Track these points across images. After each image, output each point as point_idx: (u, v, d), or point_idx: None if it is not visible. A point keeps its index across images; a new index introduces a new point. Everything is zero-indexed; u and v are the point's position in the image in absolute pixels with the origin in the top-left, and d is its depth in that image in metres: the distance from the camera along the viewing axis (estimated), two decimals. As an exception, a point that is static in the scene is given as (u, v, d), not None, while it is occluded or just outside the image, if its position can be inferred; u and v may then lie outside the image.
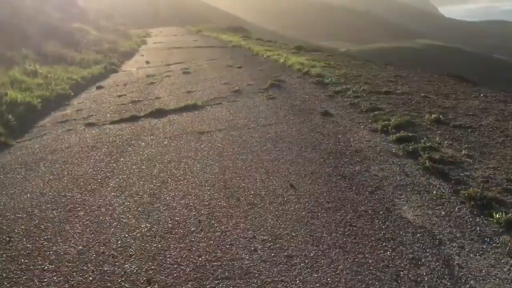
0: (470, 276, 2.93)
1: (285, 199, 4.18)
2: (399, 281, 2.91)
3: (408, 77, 10.44)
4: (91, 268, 3.24)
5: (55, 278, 3.15)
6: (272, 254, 3.28)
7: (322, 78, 10.08)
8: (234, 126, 6.80)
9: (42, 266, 3.30)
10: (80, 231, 3.82)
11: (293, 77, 10.74)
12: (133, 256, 3.37)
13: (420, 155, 5.02)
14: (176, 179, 4.87)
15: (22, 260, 3.39)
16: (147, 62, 16.06)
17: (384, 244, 3.34)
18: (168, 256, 3.35)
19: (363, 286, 2.89)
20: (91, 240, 3.64)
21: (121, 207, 4.24)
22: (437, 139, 5.60)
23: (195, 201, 4.27)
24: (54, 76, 11.11)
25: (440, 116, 6.41)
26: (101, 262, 3.31)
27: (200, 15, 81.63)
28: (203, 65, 14.17)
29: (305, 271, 3.06)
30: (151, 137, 6.59)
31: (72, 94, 10.35)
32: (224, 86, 10.13)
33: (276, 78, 10.60)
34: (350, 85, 9.26)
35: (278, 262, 3.18)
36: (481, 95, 8.08)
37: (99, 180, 4.98)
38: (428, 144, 5.32)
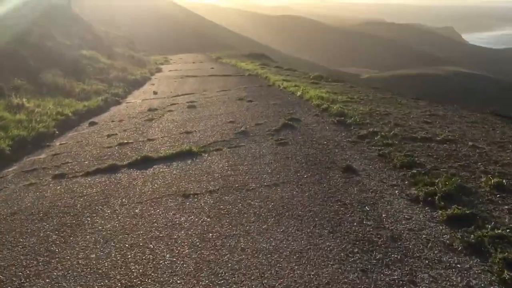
0: None
1: None
2: None
3: (447, 117, 8.78)
4: None
5: None
6: None
7: (344, 117, 8.49)
8: (230, 187, 5.24)
9: None
10: None
11: (310, 115, 9.17)
12: None
13: (490, 253, 3.38)
14: (129, 283, 3.31)
15: None
16: (155, 93, 14.73)
17: None
18: None
19: None
20: None
21: None
22: (506, 220, 3.94)
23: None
24: (42, 111, 9.78)
25: (503, 181, 4.75)
26: None
27: (224, 42, 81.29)
28: (212, 97, 12.73)
29: None
30: (123, 200, 5.07)
31: (57, 132, 8.98)
32: (230, 125, 8.61)
33: (291, 115, 9.06)
34: (377, 127, 7.64)
35: None
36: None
37: (24, 277, 3.46)
38: (497, 232, 3.66)
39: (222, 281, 3.24)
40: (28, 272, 3.59)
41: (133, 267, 3.53)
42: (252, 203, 4.69)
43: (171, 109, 10.99)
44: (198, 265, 3.50)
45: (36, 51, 14.24)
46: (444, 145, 6.43)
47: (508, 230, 3.69)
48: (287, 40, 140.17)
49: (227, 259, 3.55)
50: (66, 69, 14.13)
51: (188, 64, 29.49)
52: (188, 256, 3.66)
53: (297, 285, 3.11)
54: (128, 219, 4.49)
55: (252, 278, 3.25)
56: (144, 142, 7.79)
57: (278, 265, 3.41)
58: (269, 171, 5.70)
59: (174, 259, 3.62)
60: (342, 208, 4.42)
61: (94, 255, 3.78)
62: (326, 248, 3.64)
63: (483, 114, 9.47)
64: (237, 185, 5.25)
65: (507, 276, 3.03)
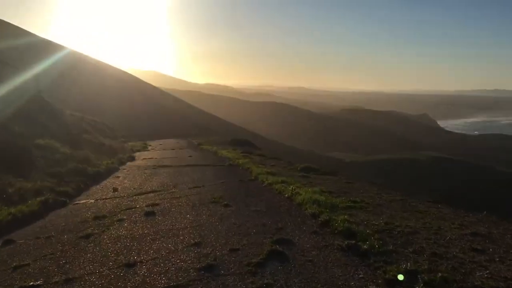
0: None
1: None
2: None
3: (495, 238, 6.21)
4: None
5: None
6: None
7: (355, 240, 5.86)
8: None
9: None
10: None
11: (306, 233, 6.51)
12: None
13: None
14: None
15: None
16: (115, 190, 12.02)
17: None
18: None
19: None
20: None
21: None
22: None
23: None
24: None
25: None
26: None
27: (208, 127, 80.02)
28: (181, 198, 10.05)
29: None
30: None
31: None
32: (193, 251, 5.86)
33: (279, 233, 6.43)
34: (409, 259, 5.03)
35: None
36: None
37: None
38: None
39: None
40: None
41: None
42: None
43: (123, 217, 8.24)
44: None
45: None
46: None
47: None
48: (271, 126, 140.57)
49: None
50: (5, 164, 11.45)
51: (166, 151, 27.06)
52: None
53: None
54: None
55: None
56: (56, 286, 4.99)
57: None
58: None
59: None
60: None
61: None
62: None
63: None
64: None
65: None
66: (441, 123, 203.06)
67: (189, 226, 7.28)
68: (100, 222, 8.06)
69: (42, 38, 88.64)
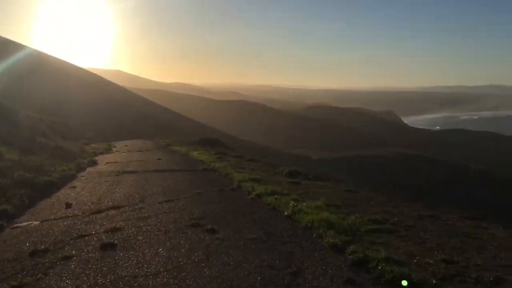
0: None
1: None
2: None
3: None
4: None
5: None
6: None
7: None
8: None
9: None
10: None
11: (336, 282, 4.42)
12: None
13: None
14: None
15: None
16: (68, 206, 9.60)
17: None
18: None
19: None
20: None
21: None
22: None
23: None
24: None
25: None
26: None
27: (175, 126, 77.09)
28: (150, 219, 7.76)
29: None
30: None
31: None
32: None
33: (297, 284, 4.33)
34: None
35: None
36: None
37: None
38: None
39: None
40: None
41: None
42: None
43: (71, 253, 5.91)
44: None
45: None
46: None
47: None
48: (239, 125, 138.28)
49: None
50: None
51: (132, 153, 24.50)
52: None
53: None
54: None
55: None
56: None
57: None
58: None
59: None
60: None
61: None
62: None
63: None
64: None
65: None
66: (405, 120, 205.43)
67: (163, 270, 5.05)
68: (38, 261, 5.73)
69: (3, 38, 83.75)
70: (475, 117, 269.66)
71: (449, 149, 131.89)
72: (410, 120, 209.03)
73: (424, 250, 5.24)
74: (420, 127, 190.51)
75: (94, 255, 5.80)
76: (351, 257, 4.96)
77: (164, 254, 5.64)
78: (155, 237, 6.47)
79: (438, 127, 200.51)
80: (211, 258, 5.36)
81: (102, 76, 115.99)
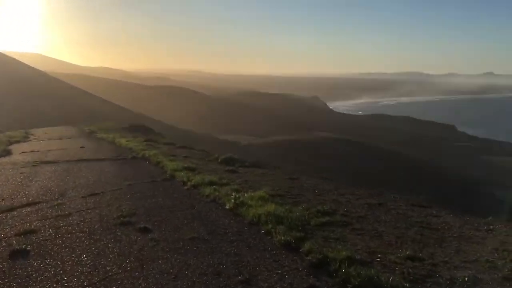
0: None
1: None
2: None
3: None
4: None
5: None
6: None
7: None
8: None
9: None
10: None
11: (297, 289, 3.81)
12: None
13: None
14: None
15: None
16: (-28, 203, 8.28)
17: None
18: None
19: None
20: None
21: None
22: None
23: None
24: None
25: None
26: None
27: (100, 112, 73.50)
28: (71, 217, 6.71)
29: None
30: None
31: None
32: None
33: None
34: None
35: None
36: None
37: None
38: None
39: None
40: None
41: None
42: None
43: (-30, 267, 4.85)
44: None
45: None
46: None
47: None
48: (168, 110, 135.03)
49: None
50: None
51: (52, 141, 22.57)
52: None
53: None
54: None
55: None
56: None
57: None
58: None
59: None
60: None
61: None
62: None
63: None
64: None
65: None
66: (330, 105, 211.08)
67: (87, 283, 4.16)
68: None
69: None
70: (393, 103, 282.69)
71: (372, 132, 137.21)
72: (335, 105, 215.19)
73: (384, 245, 4.76)
74: (344, 112, 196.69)
75: (0, 266, 4.77)
76: (308, 257, 4.35)
77: (89, 262, 4.73)
78: (77, 240, 5.51)
79: (360, 112, 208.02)
80: (146, 265, 4.54)
81: (19, 59, 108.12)
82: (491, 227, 5.55)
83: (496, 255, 4.46)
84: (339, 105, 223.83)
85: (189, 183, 8.86)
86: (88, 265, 4.62)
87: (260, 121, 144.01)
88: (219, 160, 13.05)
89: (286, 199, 7.27)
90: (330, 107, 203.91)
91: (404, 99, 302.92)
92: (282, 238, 4.91)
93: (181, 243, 5.18)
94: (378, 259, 4.26)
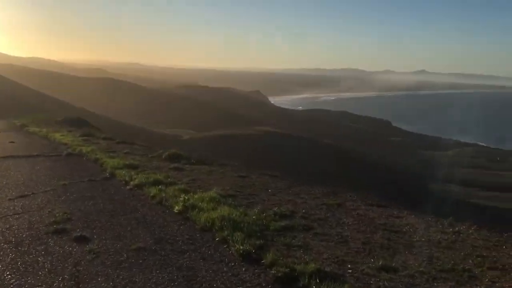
0: None
1: None
2: None
3: None
4: None
5: None
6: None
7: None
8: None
9: None
10: None
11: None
12: None
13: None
14: None
15: None
16: None
17: None
18: None
19: None
20: None
21: None
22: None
23: None
24: None
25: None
26: None
27: (33, 104, 69.50)
28: (-5, 225, 5.86)
29: None
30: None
31: None
32: None
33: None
34: None
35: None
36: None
37: None
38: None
39: None
40: None
41: None
42: None
43: None
44: None
45: None
46: None
47: None
48: (104, 103, 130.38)
49: None
50: None
51: (-23, 136, 20.75)
52: None
53: None
54: None
55: None
56: None
57: None
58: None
59: None
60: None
61: None
62: None
63: None
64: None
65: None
66: (272, 99, 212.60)
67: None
68: None
69: None
70: (333, 98, 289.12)
71: (312, 126, 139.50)
72: (276, 100, 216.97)
73: (352, 252, 4.37)
74: (287, 107, 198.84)
75: None
76: (272, 271, 3.86)
77: (13, 281, 3.99)
78: (0, 253, 4.72)
79: (300, 107, 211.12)
80: (82, 284, 3.86)
81: None
82: (457, 229, 5.33)
83: (471, 261, 4.19)
84: (280, 100, 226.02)
85: (131, 183, 8.13)
86: (12, 286, 3.88)
87: (202, 115, 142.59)
88: (163, 157, 12.31)
89: (239, 199, 6.76)
90: (272, 102, 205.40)
91: (344, 95, 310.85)
92: (241, 247, 4.39)
93: (125, 255, 4.53)
94: (350, 271, 3.85)
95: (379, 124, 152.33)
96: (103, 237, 5.09)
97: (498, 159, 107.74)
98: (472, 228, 5.37)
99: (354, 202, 6.75)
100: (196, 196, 6.58)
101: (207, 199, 6.44)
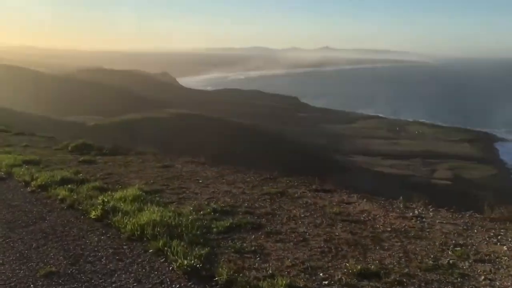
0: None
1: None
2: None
3: None
4: None
5: None
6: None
7: None
8: None
9: None
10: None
11: None
12: None
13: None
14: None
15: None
16: None
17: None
18: None
19: None
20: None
21: None
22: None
23: None
24: None
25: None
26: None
27: None
28: None
29: None
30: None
31: None
32: None
33: None
34: None
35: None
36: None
37: None
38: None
39: None
40: None
41: None
42: None
43: None
44: None
45: None
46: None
47: None
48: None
49: None
50: None
51: None
52: None
53: None
54: None
55: None
56: None
57: None
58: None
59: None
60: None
61: None
62: None
63: None
64: None
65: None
66: (180, 81, 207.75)
67: None
68: None
69: None
70: (242, 77, 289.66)
71: (223, 107, 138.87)
72: (184, 81, 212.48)
73: (317, 254, 3.69)
74: (195, 87, 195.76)
75: None
76: (230, 294, 3.05)
77: None
78: None
79: (209, 87, 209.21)
80: None
81: None
82: (416, 212, 4.87)
83: (451, 253, 3.70)
84: (189, 81, 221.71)
85: (33, 183, 6.81)
86: None
87: (107, 100, 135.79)
88: (70, 148, 10.86)
89: (167, 195, 5.83)
90: (181, 83, 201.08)
91: (252, 74, 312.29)
92: (184, 261, 3.52)
93: (30, 281, 3.47)
94: (325, 282, 3.16)
95: (288, 100, 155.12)
96: (2, 259, 3.95)
97: (397, 129, 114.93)
98: (431, 210, 4.95)
99: (297, 189, 6.10)
100: (116, 196, 5.55)
101: (130, 198, 5.44)
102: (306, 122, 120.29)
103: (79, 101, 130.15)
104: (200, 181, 6.66)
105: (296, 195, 5.70)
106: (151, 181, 6.74)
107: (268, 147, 66.89)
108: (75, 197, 5.79)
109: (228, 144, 65.53)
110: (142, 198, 5.48)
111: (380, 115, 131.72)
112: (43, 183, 6.70)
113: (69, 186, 6.38)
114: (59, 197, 5.93)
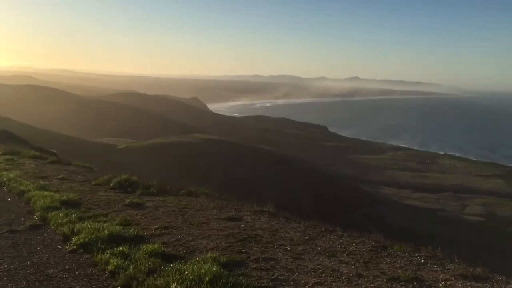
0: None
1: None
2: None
3: None
4: None
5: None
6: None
7: None
8: None
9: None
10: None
11: None
12: None
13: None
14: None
15: None
16: None
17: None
18: None
19: None
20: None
21: None
22: None
23: None
24: None
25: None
26: None
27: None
28: None
29: None
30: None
31: None
32: None
33: None
34: None
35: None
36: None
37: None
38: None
39: None
40: None
41: None
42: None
43: None
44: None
45: None
46: None
47: None
48: (34, 112, 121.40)
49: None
50: None
51: None
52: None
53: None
54: None
55: None
56: None
57: None
58: None
59: None
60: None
61: None
62: None
63: None
64: None
65: None
66: (210, 106, 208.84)
67: None
68: None
69: None
70: (268, 104, 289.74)
71: (251, 133, 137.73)
72: (214, 107, 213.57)
73: None
74: (223, 113, 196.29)
75: None
76: None
77: None
78: None
79: (236, 114, 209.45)
80: None
81: None
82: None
83: None
84: (218, 107, 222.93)
85: (74, 239, 5.28)
86: None
87: (139, 123, 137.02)
88: (112, 185, 9.36)
89: (253, 273, 4.19)
90: (211, 109, 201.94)
91: (280, 101, 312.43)
92: None
93: None
94: None
95: (317, 129, 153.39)
96: None
97: (428, 161, 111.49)
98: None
99: (433, 271, 4.39)
100: (187, 274, 3.94)
101: (207, 279, 3.83)
102: (334, 152, 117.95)
103: (113, 124, 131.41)
104: (288, 248, 5.00)
105: (440, 284, 3.97)
106: (223, 243, 5.12)
107: (298, 175, 65.07)
108: (131, 269, 4.20)
109: (259, 170, 63.94)
110: (223, 280, 3.86)
111: (410, 146, 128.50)
112: (86, 241, 5.17)
113: (120, 248, 4.82)
114: (109, 268, 4.35)
